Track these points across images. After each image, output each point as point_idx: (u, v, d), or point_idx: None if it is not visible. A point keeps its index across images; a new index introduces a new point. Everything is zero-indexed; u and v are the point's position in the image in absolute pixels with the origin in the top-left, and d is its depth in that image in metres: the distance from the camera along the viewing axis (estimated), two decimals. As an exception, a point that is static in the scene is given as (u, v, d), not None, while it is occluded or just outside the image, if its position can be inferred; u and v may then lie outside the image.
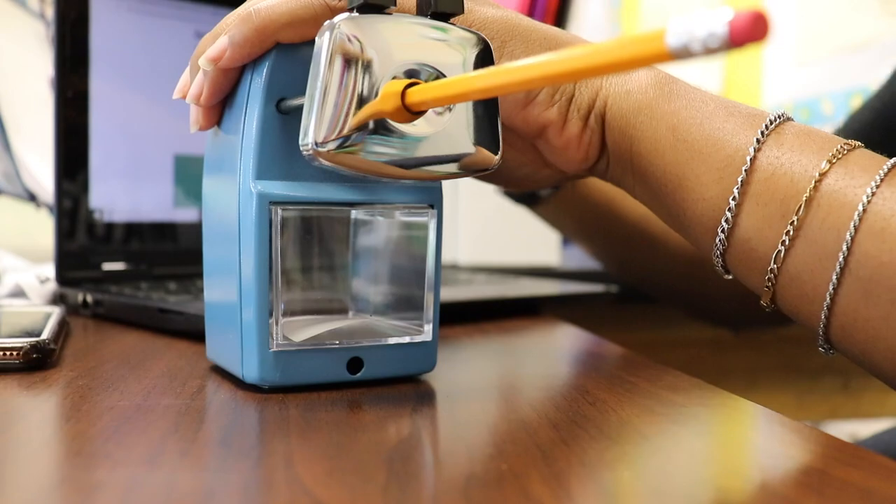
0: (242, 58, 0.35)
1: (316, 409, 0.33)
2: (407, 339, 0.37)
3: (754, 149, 0.36)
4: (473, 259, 0.93)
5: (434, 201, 0.37)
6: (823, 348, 0.37)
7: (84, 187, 0.60)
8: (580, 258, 1.28)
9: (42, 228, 0.82)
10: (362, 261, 0.38)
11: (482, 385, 0.40)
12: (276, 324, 0.34)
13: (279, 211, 0.33)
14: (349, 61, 0.32)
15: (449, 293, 0.60)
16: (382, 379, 0.37)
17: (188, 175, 0.65)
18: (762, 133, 0.36)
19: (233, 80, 0.36)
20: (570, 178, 0.44)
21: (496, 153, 0.35)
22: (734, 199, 0.36)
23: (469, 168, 0.35)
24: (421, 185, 0.36)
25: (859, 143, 0.36)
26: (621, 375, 0.42)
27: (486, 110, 0.35)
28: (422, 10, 0.34)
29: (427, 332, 0.37)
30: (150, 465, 0.26)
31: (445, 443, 0.31)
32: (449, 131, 0.34)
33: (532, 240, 0.94)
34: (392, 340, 0.36)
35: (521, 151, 0.43)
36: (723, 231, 0.37)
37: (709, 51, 0.22)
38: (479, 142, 0.35)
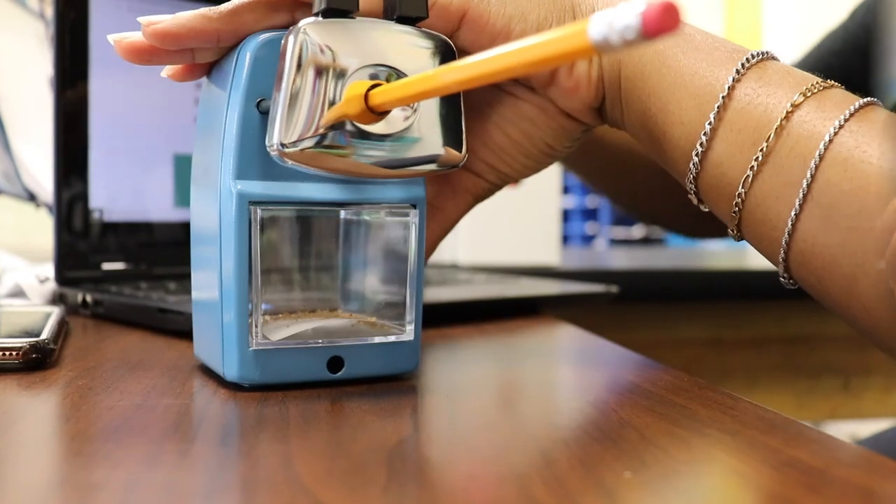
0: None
1: (316, 409, 0.33)
2: (388, 339, 0.37)
3: (733, 79, 0.38)
4: (473, 259, 0.93)
5: (416, 202, 0.37)
6: (784, 278, 0.39)
7: (84, 187, 0.60)
8: (580, 258, 1.28)
9: (42, 228, 0.82)
10: (345, 260, 0.38)
11: (482, 385, 0.40)
12: (255, 323, 0.34)
13: (258, 211, 0.34)
14: (313, 64, 0.33)
15: (449, 293, 0.60)
16: (365, 378, 0.37)
17: (188, 174, 0.65)
18: (742, 66, 0.38)
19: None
20: (581, 136, 0.44)
21: (461, 151, 0.36)
22: (710, 123, 0.38)
23: (435, 166, 0.36)
24: (403, 185, 0.36)
25: (837, 83, 0.38)
26: (621, 375, 0.42)
27: (450, 109, 0.36)
28: (387, 14, 0.35)
29: (409, 332, 0.37)
30: (150, 465, 0.26)
31: (445, 443, 0.31)
32: (414, 130, 0.35)
33: (532, 240, 0.94)
34: (373, 339, 0.37)
35: (536, 123, 0.43)
36: (697, 154, 0.38)
37: (627, 43, 0.22)
38: (443, 140, 0.36)
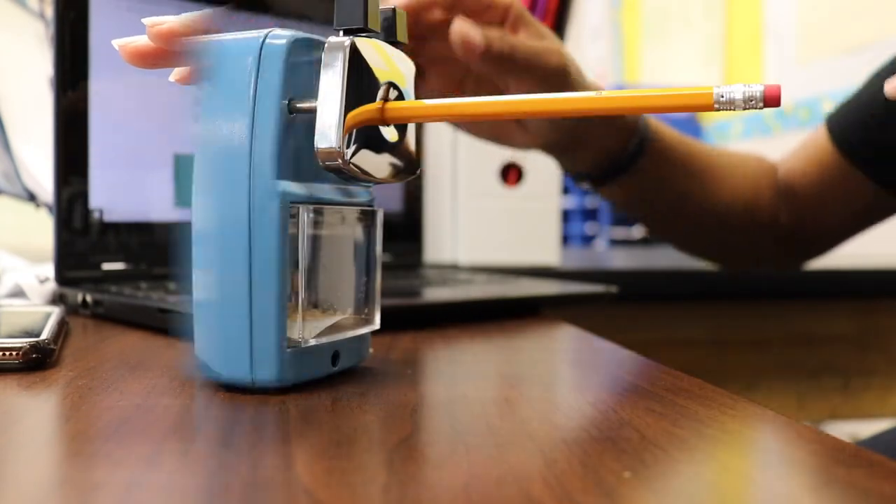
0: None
1: (315, 408, 0.33)
2: (365, 330, 0.40)
3: None
4: (473, 259, 0.93)
5: (373, 203, 0.40)
6: None
7: (84, 187, 0.60)
8: (580, 258, 1.27)
9: (42, 228, 0.82)
10: (339, 260, 0.39)
11: (482, 385, 0.40)
12: (298, 324, 0.35)
13: (300, 209, 0.35)
14: (360, 74, 0.36)
15: (449, 293, 0.60)
16: (349, 368, 0.39)
17: (188, 174, 0.64)
18: None
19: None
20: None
21: (420, 165, 0.41)
22: None
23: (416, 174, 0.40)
24: (366, 188, 0.40)
25: None
26: (621, 375, 0.42)
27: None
28: (387, 38, 0.39)
29: (376, 322, 0.40)
30: (150, 465, 0.26)
31: (445, 443, 0.31)
32: (408, 143, 0.39)
33: (532, 240, 0.94)
34: (359, 332, 0.40)
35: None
36: None
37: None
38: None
